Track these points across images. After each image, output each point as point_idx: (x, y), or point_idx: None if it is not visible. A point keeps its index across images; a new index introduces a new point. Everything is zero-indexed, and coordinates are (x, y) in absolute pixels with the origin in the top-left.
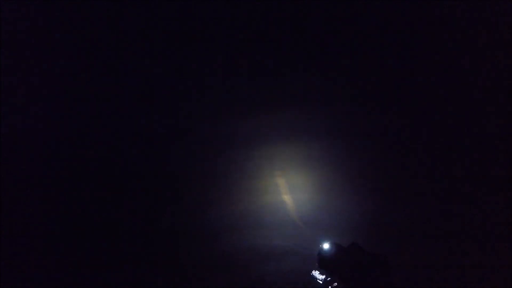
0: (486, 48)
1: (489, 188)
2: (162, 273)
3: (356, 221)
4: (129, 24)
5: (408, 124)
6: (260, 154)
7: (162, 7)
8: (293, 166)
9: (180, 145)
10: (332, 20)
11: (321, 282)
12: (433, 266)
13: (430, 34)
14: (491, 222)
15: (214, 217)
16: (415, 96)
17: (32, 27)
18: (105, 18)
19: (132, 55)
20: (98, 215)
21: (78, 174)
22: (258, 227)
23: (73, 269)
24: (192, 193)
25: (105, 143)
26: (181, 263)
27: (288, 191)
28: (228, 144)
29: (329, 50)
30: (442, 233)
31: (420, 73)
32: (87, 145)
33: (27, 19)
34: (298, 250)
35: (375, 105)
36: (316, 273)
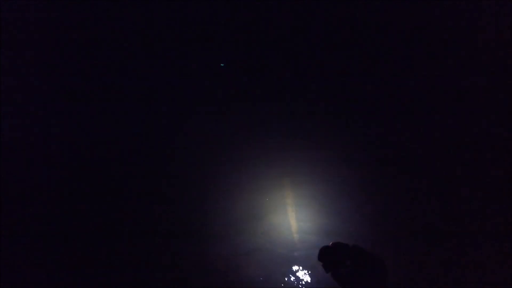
0: (486, 48)
1: (489, 188)
2: (161, 276)
3: (357, 222)
4: (129, 24)
5: (408, 124)
6: (260, 154)
7: (162, 7)
8: (293, 166)
9: (180, 146)
10: (334, 21)
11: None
12: (433, 266)
13: (430, 34)
14: (491, 222)
15: (214, 219)
16: (415, 96)
17: (32, 27)
18: (105, 18)
19: (132, 55)
20: (98, 215)
21: (78, 174)
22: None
23: (73, 269)
24: (191, 194)
25: (105, 143)
26: (180, 265)
27: (289, 192)
28: (228, 145)
29: (339, 52)
30: (442, 233)
31: (420, 74)
32: (87, 145)
33: (27, 19)
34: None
35: (378, 106)
36: (314, 273)
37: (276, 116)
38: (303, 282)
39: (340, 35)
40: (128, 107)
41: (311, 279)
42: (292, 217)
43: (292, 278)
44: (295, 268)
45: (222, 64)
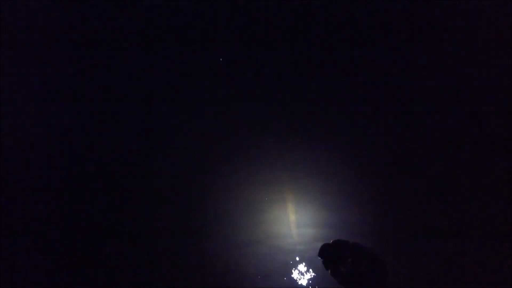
0: (486, 48)
1: (489, 188)
2: (160, 275)
3: (357, 222)
4: (129, 24)
5: (408, 124)
6: (260, 152)
7: (162, 7)
8: (293, 163)
9: (179, 144)
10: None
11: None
12: (433, 266)
13: (430, 34)
14: (491, 222)
15: (213, 216)
16: (415, 96)
17: (32, 27)
18: (105, 18)
19: (132, 55)
20: (98, 216)
21: (77, 174)
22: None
23: (73, 269)
24: (190, 192)
25: (105, 143)
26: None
27: (289, 189)
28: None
29: (341, 52)
30: (442, 233)
31: (420, 73)
32: (86, 145)
33: (27, 19)
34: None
35: (377, 106)
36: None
37: (276, 114)
38: (303, 280)
39: (341, 35)
40: (127, 106)
41: (310, 276)
42: (292, 215)
43: (292, 275)
44: (294, 266)
45: (221, 59)
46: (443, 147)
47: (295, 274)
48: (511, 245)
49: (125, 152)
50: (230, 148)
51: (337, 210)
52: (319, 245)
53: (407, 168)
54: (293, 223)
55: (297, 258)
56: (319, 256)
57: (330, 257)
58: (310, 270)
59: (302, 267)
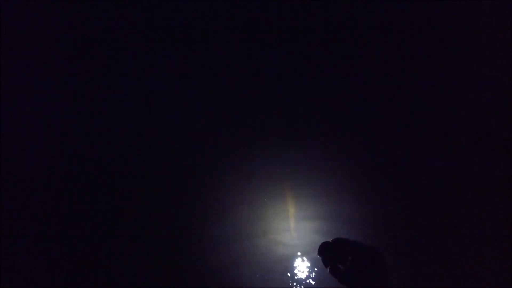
0: (486, 48)
1: (489, 188)
2: (161, 275)
3: (358, 220)
4: (129, 24)
5: (408, 123)
6: (259, 152)
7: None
8: (293, 165)
9: (180, 146)
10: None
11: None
12: (433, 266)
13: (430, 34)
14: (491, 222)
15: (214, 219)
16: (415, 96)
17: (32, 27)
18: (105, 18)
19: (131, 55)
20: (98, 216)
21: (78, 175)
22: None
23: (73, 269)
24: (191, 195)
25: (105, 143)
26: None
27: (290, 192)
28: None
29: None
30: (442, 233)
31: (420, 73)
32: (87, 145)
33: (27, 19)
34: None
35: (377, 106)
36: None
37: (276, 116)
38: (302, 279)
39: (340, 35)
40: (128, 107)
41: (310, 274)
42: (291, 212)
43: (291, 274)
44: (294, 264)
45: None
46: (443, 147)
47: (294, 273)
48: (511, 245)
49: (124, 152)
50: (229, 145)
51: (337, 208)
52: (318, 242)
53: (408, 166)
54: (292, 220)
55: (297, 257)
56: (319, 255)
57: (329, 256)
58: (310, 268)
59: (301, 265)
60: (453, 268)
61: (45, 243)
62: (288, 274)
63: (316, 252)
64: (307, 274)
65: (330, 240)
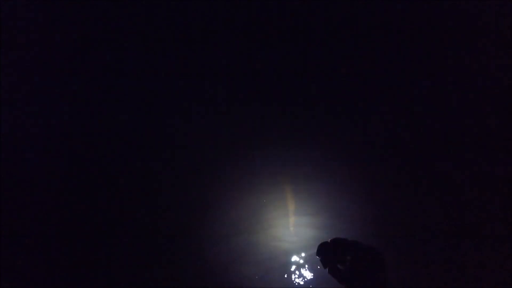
0: (486, 48)
1: (489, 188)
2: (160, 275)
3: (356, 220)
4: (129, 24)
5: (408, 123)
6: (261, 157)
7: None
8: (292, 164)
9: (180, 145)
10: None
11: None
12: (433, 266)
13: (430, 34)
14: (491, 222)
15: (213, 217)
16: (416, 96)
17: (32, 27)
18: (105, 18)
19: (131, 55)
20: (97, 216)
21: (78, 174)
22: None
23: (73, 269)
24: (190, 193)
25: (105, 143)
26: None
27: (290, 191)
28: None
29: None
30: (442, 233)
31: (420, 73)
32: (87, 146)
33: (27, 19)
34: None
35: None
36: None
37: (276, 115)
38: (302, 279)
39: (341, 35)
40: (128, 107)
41: (309, 275)
42: (292, 214)
43: (291, 274)
44: (293, 264)
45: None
46: (444, 147)
47: (294, 273)
48: (511, 245)
49: (124, 152)
50: (229, 148)
51: (337, 208)
52: (317, 242)
53: (408, 166)
54: (292, 220)
55: (296, 257)
56: (318, 255)
57: (328, 256)
58: (310, 268)
59: (301, 265)
60: (453, 268)
61: (45, 243)
62: (286, 276)
63: (315, 251)
64: (307, 274)
65: (329, 240)
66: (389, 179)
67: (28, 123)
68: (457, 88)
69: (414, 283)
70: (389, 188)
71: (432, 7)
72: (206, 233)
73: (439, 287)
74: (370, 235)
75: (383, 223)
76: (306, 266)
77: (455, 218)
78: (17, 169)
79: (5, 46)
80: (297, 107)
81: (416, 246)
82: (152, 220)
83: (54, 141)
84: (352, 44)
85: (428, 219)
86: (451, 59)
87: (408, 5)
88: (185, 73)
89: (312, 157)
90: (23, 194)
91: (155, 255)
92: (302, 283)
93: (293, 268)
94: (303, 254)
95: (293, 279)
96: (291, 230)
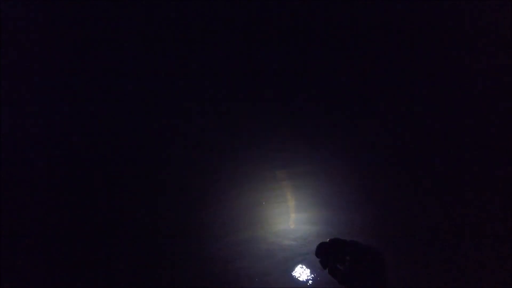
0: (486, 48)
1: (489, 188)
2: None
3: (357, 219)
4: (129, 24)
5: (408, 123)
6: (260, 155)
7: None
8: (294, 165)
9: (179, 142)
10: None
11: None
12: (433, 266)
13: (430, 34)
14: (491, 222)
15: (213, 214)
16: (416, 96)
17: (32, 27)
18: (105, 18)
19: (131, 55)
20: (96, 215)
21: (78, 174)
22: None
23: (73, 269)
24: (190, 189)
25: (104, 142)
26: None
27: (290, 190)
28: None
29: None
30: (442, 233)
31: (420, 73)
32: (87, 144)
33: (27, 19)
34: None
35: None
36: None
37: (276, 112)
38: (301, 279)
39: (341, 35)
40: (125, 105)
41: (309, 275)
42: (292, 211)
43: (291, 274)
44: (293, 264)
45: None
46: (444, 147)
47: (293, 273)
48: (511, 245)
49: (124, 151)
50: (229, 146)
51: (337, 207)
52: (317, 241)
53: (408, 166)
54: (292, 218)
55: (296, 256)
56: (317, 256)
57: (327, 257)
58: (309, 269)
59: (300, 265)
60: (453, 268)
61: (45, 243)
62: (284, 277)
63: (315, 250)
64: (307, 274)
65: (327, 240)
66: (389, 179)
67: (28, 123)
68: (457, 88)
69: (414, 283)
70: (389, 187)
71: (432, 7)
72: (206, 233)
73: (439, 287)
74: (370, 235)
75: (383, 223)
76: (306, 265)
77: (455, 218)
78: (17, 169)
79: (5, 46)
80: (298, 106)
81: (416, 246)
82: (151, 220)
83: (54, 141)
84: (352, 44)
85: (428, 219)
86: (451, 59)
87: (409, 5)
88: (179, 70)
89: (312, 156)
90: (23, 194)
91: (154, 255)
92: (302, 284)
93: (293, 267)
94: (303, 252)
95: (293, 279)
96: (291, 228)
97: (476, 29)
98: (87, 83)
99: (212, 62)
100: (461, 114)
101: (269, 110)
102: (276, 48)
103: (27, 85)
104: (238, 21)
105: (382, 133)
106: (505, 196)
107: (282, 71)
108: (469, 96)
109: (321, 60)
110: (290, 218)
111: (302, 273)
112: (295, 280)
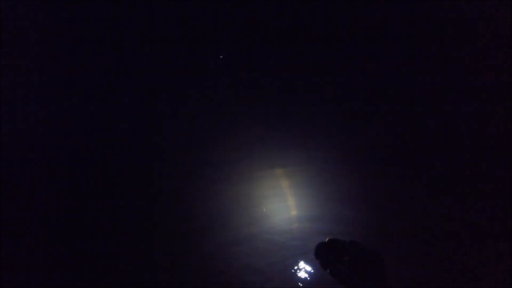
0: (486, 48)
1: (489, 188)
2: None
3: (357, 219)
4: (129, 24)
5: (408, 123)
6: (259, 152)
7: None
8: (293, 165)
9: (176, 139)
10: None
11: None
12: (433, 266)
13: (430, 34)
14: (492, 222)
15: (210, 210)
16: (416, 96)
17: (32, 27)
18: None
19: (131, 55)
20: (94, 215)
21: (78, 174)
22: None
23: (73, 269)
24: (187, 185)
25: (104, 142)
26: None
27: (289, 189)
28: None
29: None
30: (442, 233)
31: (420, 73)
32: (87, 144)
33: (27, 19)
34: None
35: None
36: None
37: (275, 110)
38: (301, 280)
39: (341, 34)
40: (127, 107)
41: (309, 275)
42: (292, 208)
43: (290, 275)
44: (293, 264)
45: (221, 56)
46: (444, 147)
47: (293, 271)
48: (511, 245)
49: (123, 151)
50: (226, 143)
51: (336, 207)
52: (317, 239)
53: (408, 165)
54: (292, 217)
55: (295, 256)
56: (316, 257)
57: (327, 257)
58: (309, 267)
59: (300, 263)
60: (453, 268)
61: (45, 243)
62: (284, 277)
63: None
64: (306, 274)
65: (326, 240)
66: (389, 178)
67: (28, 123)
68: (457, 88)
69: (414, 283)
70: (389, 186)
71: (432, 7)
72: (204, 232)
73: (439, 287)
74: (370, 235)
75: (383, 222)
76: (305, 263)
77: (455, 218)
78: (17, 169)
79: (5, 46)
80: (298, 106)
81: (416, 246)
82: (148, 219)
83: (54, 141)
84: (352, 44)
85: (428, 219)
86: (451, 59)
87: (409, 5)
88: (183, 71)
89: (311, 155)
90: (23, 194)
91: (151, 254)
92: (302, 284)
93: (292, 267)
94: (302, 253)
95: (293, 273)
96: (291, 226)
97: (476, 29)
98: (87, 83)
99: (211, 61)
100: (461, 114)
101: (267, 108)
102: (276, 48)
103: (27, 85)
104: (238, 21)
105: (383, 131)
106: (505, 196)
107: (282, 70)
108: (469, 96)
109: (321, 60)
110: (289, 216)
111: (301, 271)
112: (295, 278)
